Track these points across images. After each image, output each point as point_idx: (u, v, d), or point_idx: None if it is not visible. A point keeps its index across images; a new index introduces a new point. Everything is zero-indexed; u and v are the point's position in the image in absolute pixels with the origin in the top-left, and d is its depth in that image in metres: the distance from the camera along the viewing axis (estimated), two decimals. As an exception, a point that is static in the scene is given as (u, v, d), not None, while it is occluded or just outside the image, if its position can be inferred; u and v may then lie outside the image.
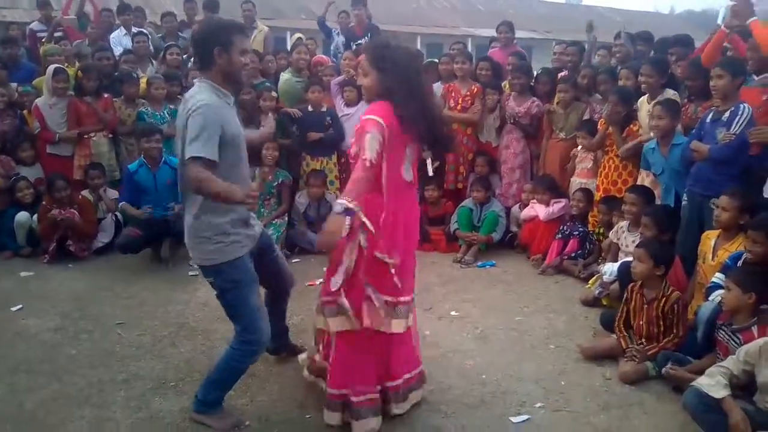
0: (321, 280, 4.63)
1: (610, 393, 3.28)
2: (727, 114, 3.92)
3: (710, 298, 3.45)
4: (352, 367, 2.81)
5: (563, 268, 5.05)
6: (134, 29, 7.18)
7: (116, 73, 6.24)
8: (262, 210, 5.59)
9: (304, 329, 3.81)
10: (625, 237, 4.50)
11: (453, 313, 4.27)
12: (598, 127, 5.08)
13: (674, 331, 3.47)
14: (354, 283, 2.72)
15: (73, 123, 5.70)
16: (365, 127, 2.59)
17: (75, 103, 5.71)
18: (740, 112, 3.87)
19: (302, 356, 3.32)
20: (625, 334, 3.60)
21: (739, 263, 3.46)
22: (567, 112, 5.49)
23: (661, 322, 3.49)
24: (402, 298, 2.81)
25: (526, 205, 5.56)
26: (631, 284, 3.68)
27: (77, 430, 2.92)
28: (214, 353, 3.55)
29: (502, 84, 5.97)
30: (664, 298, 3.50)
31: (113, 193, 5.64)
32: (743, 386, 2.82)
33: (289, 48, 7.44)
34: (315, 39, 7.92)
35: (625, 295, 3.71)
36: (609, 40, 6.51)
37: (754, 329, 3.06)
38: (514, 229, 5.71)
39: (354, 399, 2.80)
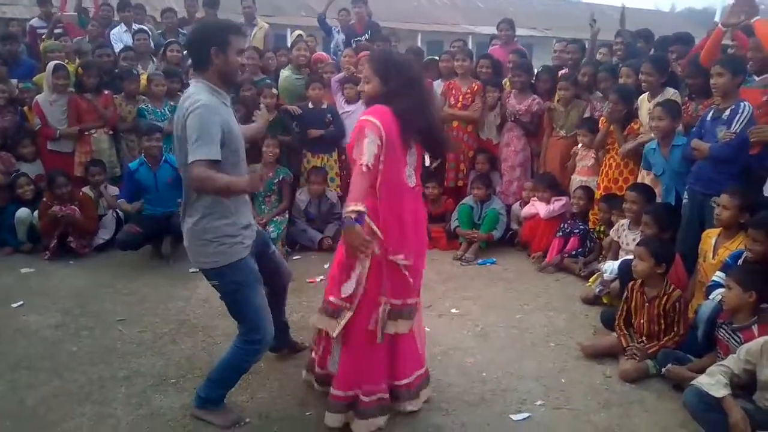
0: (322, 277, 4.67)
1: (610, 391, 3.28)
2: (727, 112, 3.92)
3: (711, 297, 3.45)
4: (360, 368, 2.80)
5: (564, 266, 5.06)
6: (135, 26, 7.17)
7: (116, 70, 6.24)
8: (263, 207, 5.59)
9: (304, 326, 3.81)
10: (626, 235, 4.50)
11: (453, 310, 4.28)
12: (600, 125, 5.08)
13: (675, 329, 3.47)
14: (367, 289, 2.71)
15: (74, 120, 5.69)
16: (363, 129, 2.58)
17: (75, 99, 5.70)
18: (741, 111, 3.86)
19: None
20: (626, 332, 3.60)
21: (740, 262, 3.46)
22: (567, 110, 5.48)
23: (662, 321, 3.50)
24: (409, 300, 2.82)
25: (526, 203, 5.56)
26: (632, 282, 3.68)
27: (78, 427, 2.92)
28: (215, 350, 3.57)
29: (503, 81, 5.97)
30: (665, 297, 3.50)
31: (114, 190, 5.64)
32: (743, 385, 2.82)
33: (289, 45, 7.42)
34: (315, 36, 7.91)
35: (625, 294, 3.71)
36: (609, 37, 6.49)
37: (755, 328, 3.06)
38: (514, 226, 5.71)
39: (364, 399, 2.79)
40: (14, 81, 6.06)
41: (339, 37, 7.76)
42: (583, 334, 3.92)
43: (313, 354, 3.08)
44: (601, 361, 3.56)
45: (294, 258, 5.38)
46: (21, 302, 4.31)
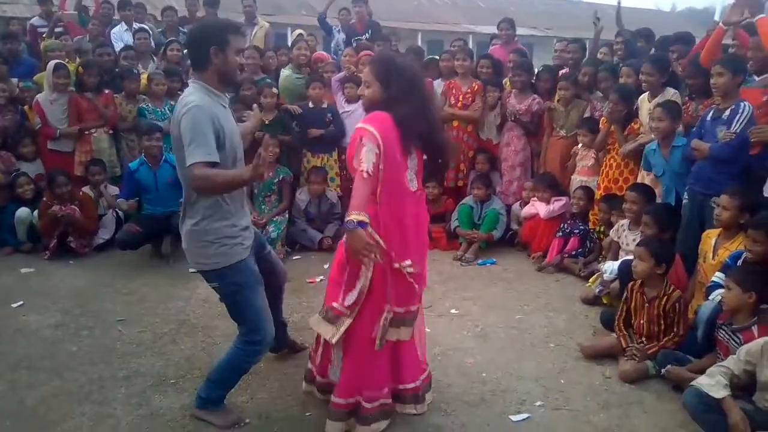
0: (322, 277, 4.67)
1: (609, 392, 3.28)
2: (727, 112, 3.92)
3: (710, 298, 3.45)
4: (361, 375, 2.79)
5: (564, 266, 5.05)
6: (135, 25, 7.17)
7: (117, 69, 6.24)
8: (263, 207, 5.59)
9: (304, 327, 3.81)
10: (626, 235, 4.50)
11: (453, 311, 4.28)
12: (600, 125, 5.08)
13: (674, 330, 3.47)
14: (371, 297, 2.70)
15: (74, 119, 5.69)
16: (361, 138, 2.57)
17: (76, 99, 5.70)
18: (741, 111, 3.86)
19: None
20: (626, 332, 3.60)
21: (739, 262, 3.46)
22: (568, 110, 5.48)
23: (662, 321, 3.49)
24: (412, 307, 2.82)
25: (526, 203, 5.56)
26: (632, 283, 3.68)
27: (77, 427, 2.92)
28: (215, 350, 3.57)
29: (503, 81, 5.97)
30: (665, 297, 3.50)
31: (114, 190, 5.64)
32: (743, 386, 2.82)
33: (290, 44, 7.42)
34: (315, 35, 7.91)
35: (625, 294, 3.71)
36: (610, 37, 6.49)
37: (755, 329, 3.06)
38: (514, 226, 5.71)
39: (366, 405, 2.79)
40: (15, 80, 6.06)
41: (339, 37, 7.76)
42: (583, 335, 3.92)
43: (310, 365, 3.06)
44: (600, 362, 3.56)
45: (294, 258, 5.38)
46: (21, 302, 4.32)
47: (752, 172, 3.93)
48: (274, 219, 5.46)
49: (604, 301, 4.33)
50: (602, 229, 4.99)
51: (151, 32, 7.01)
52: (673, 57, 5.19)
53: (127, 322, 4.03)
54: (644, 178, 4.67)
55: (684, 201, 4.20)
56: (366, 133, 2.57)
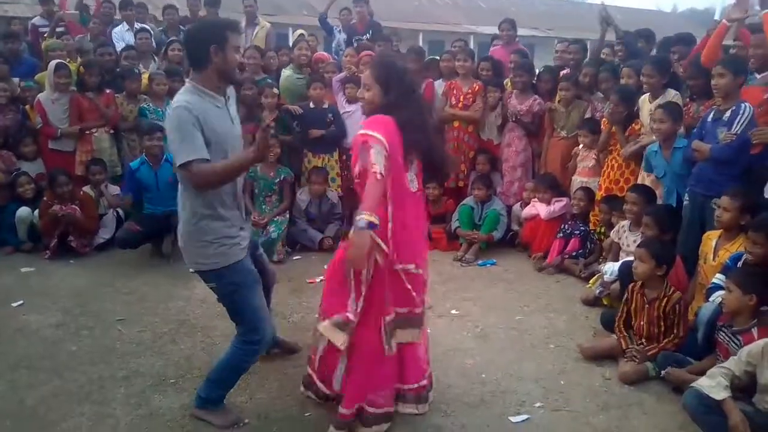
0: (322, 277, 4.65)
1: (609, 393, 3.28)
2: (728, 113, 3.91)
3: (711, 299, 3.45)
4: (368, 381, 2.78)
5: (564, 267, 5.05)
6: (137, 25, 7.17)
7: (118, 69, 6.24)
8: (264, 207, 5.59)
9: (304, 327, 3.82)
10: (626, 236, 4.49)
11: (453, 311, 4.28)
12: (602, 127, 5.07)
13: (674, 331, 3.46)
14: (372, 302, 2.70)
15: (75, 118, 5.69)
16: (367, 142, 2.57)
17: (77, 98, 5.70)
18: (741, 112, 3.86)
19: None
20: (626, 334, 3.60)
21: (740, 264, 3.46)
22: (568, 111, 5.48)
23: (662, 323, 3.49)
24: (416, 309, 2.81)
25: (527, 204, 5.56)
26: (632, 284, 3.68)
27: (77, 427, 2.92)
28: (214, 350, 3.57)
29: (504, 82, 5.97)
30: (665, 299, 3.49)
31: (114, 189, 5.64)
32: (743, 388, 2.82)
33: (291, 44, 7.42)
34: (316, 36, 7.91)
35: (625, 295, 3.70)
36: (611, 37, 6.47)
37: (755, 331, 3.06)
38: (515, 227, 5.70)
39: (369, 409, 2.78)
40: (16, 80, 6.06)
41: (340, 37, 7.76)
42: (583, 336, 3.91)
43: (309, 370, 3.03)
44: (600, 363, 3.56)
45: (294, 258, 5.38)
46: (21, 302, 4.32)
47: (753, 173, 3.92)
48: (275, 219, 5.46)
49: (605, 303, 4.32)
50: (603, 230, 4.98)
51: (152, 32, 7.01)
52: (674, 58, 5.18)
53: (127, 322, 4.03)
54: (645, 179, 4.66)
55: (685, 202, 4.20)
56: (371, 138, 2.57)
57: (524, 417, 3.05)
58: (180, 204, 2.78)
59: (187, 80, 2.75)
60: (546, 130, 5.66)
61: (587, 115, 5.40)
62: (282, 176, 5.62)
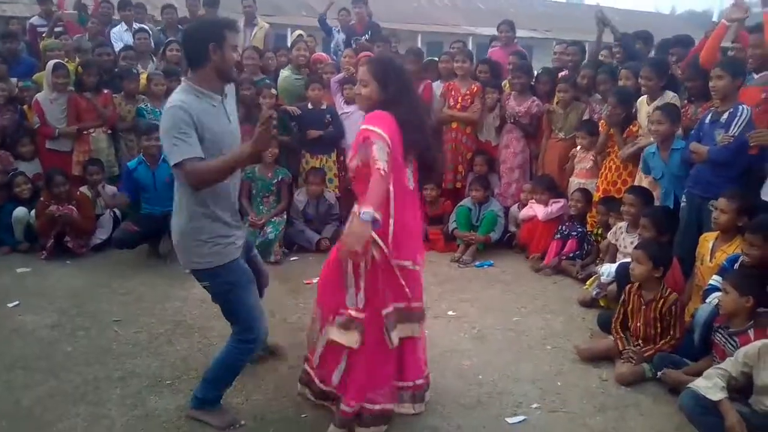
0: (318, 278, 4.65)
1: (606, 394, 3.28)
2: (725, 115, 3.92)
3: (707, 301, 3.45)
4: (369, 379, 2.78)
5: (561, 268, 5.05)
6: (135, 25, 7.17)
7: (116, 69, 6.23)
8: (262, 207, 5.58)
9: (301, 327, 3.81)
10: (624, 238, 4.50)
11: (450, 312, 4.27)
12: (600, 129, 5.08)
13: (671, 332, 3.47)
14: (370, 299, 2.71)
15: (73, 119, 5.68)
16: (369, 138, 2.58)
17: (75, 98, 5.70)
18: (739, 114, 3.86)
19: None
20: (622, 335, 3.60)
21: (737, 265, 3.46)
22: (566, 112, 5.48)
23: (659, 324, 3.49)
24: (414, 304, 2.82)
25: (524, 205, 5.56)
26: (629, 285, 3.68)
27: (72, 428, 2.91)
28: (211, 351, 3.55)
29: (502, 83, 5.97)
30: (661, 300, 3.50)
31: (112, 189, 5.64)
32: (739, 389, 2.82)
33: (289, 45, 7.42)
34: (315, 36, 7.91)
35: (622, 297, 3.70)
36: (608, 39, 6.47)
37: (751, 332, 3.06)
38: (512, 228, 5.70)
39: (368, 407, 2.78)
40: (14, 79, 6.06)
41: (339, 37, 7.76)
42: (580, 337, 3.91)
43: (307, 367, 3.01)
44: (597, 365, 3.56)
45: (292, 259, 5.38)
46: (17, 302, 4.31)
47: (751, 175, 3.93)
48: (272, 220, 5.46)
49: (602, 304, 4.32)
50: (600, 231, 4.98)
51: (150, 32, 7.00)
52: (673, 60, 5.19)
53: (124, 323, 4.02)
54: (642, 180, 4.67)
55: (682, 204, 4.20)
56: (373, 134, 2.57)
57: (521, 418, 3.04)
58: (175, 202, 2.77)
59: (183, 79, 2.74)
60: (544, 132, 5.66)
61: (585, 117, 5.40)
62: (280, 177, 5.62)
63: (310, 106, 5.83)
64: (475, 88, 5.76)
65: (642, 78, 4.68)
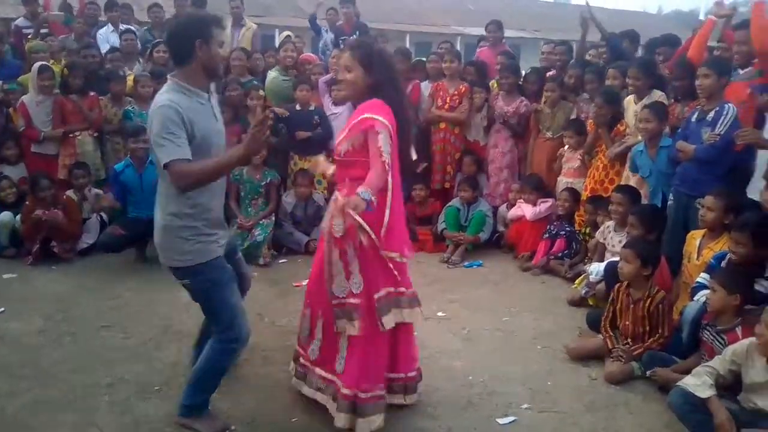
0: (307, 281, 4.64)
1: (596, 393, 3.29)
2: (711, 114, 3.95)
3: (695, 299, 3.46)
4: (366, 367, 2.81)
5: (550, 268, 5.06)
6: (122, 26, 7.11)
7: (101, 72, 6.18)
8: (250, 210, 5.55)
9: (291, 330, 3.78)
10: (612, 237, 4.51)
11: (440, 313, 4.27)
12: (588, 129, 5.09)
13: (660, 331, 3.48)
14: (364, 282, 2.75)
15: (58, 121, 5.63)
16: (375, 126, 2.60)
17: (61, 101, 5.64)
18: (725, 112, 3.89)
19: (292, 364, 3.24)
20: (611, 334, 3.61)
21: (724, 263, 3.48)
22: (554, 112, 5.49)
23: (647, 322, 3.51)
24: (401, 288, 2.85)
25: (513, 205, 5.57)
26: (618, 284, 3.69)
27: (60, 435, 2.88)
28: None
29: (490, 83, 5.97)
30: (650, 298, 3.51)
31: (98, 193, 5.58)
32: (728, 386, 2.83)
33: (277, 46, 7.39)
34: (302, 37, 7.88)
35: (611, 296, 3.72)
36: (596, 38, 6.50)
37: (738, 330, 3.07)
38: (501, 228, 5.71)
39: (362, 396, 2.79)
40: (-1, 82, 5.99)
41: (328, 37, 7.74)
42: (569, 337, 3.92)
43: (302, 360, 3.04)
44: (586, 364, 3.57)
45: (280, 261, 5.35)
46: (2, 308, 4.24)
47: (737, 173, 3.95)
48: (261, 222, 5.42)
49: (590, 303, 4.34)
50: (588, 230, 5.00)
51: (137, 33, 6.94)
52: (660, 59, 5.22)
53: (111, 328, 3.98)
54: (629, 179, 4.69)
55: (669, 202, 4.23)
56: (378, 123, 2.61)
57: (511, 419, 3.04)
58: (158, 199, 2.74)
59: (169, 76, 2.70)
60: (532, 131, 5.67)
61: (573, 116, 5.42)
62: (268, 179, 5.59)
63: (298, 107, 5.80)
64: (463, 89, 5.76)
65: (630, 78, 4.71)
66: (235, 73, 6.11)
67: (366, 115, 2.66)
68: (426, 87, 6.00)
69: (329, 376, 2.92)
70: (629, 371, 3.38)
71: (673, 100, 4.78)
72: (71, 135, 5.68)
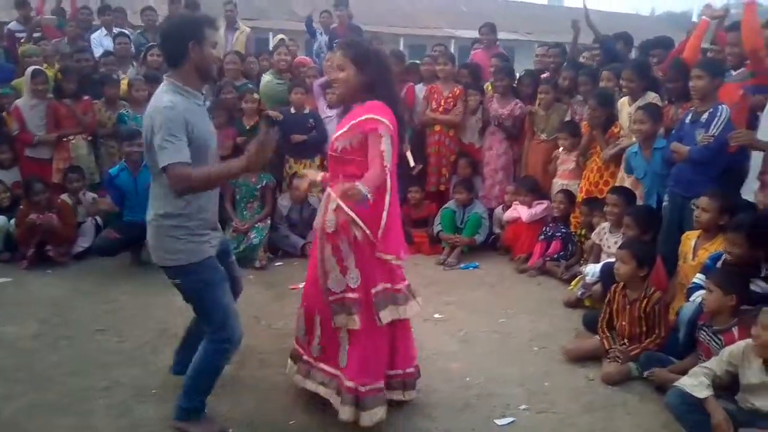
0: (304, 284, 4.63)
1: (593, 394, 3.30)
2: (705, 115, 3.97)
3: (691, 299, 3.48)
4: (366, 362, 2.81)
5: (546, 269, 5.07)
6: (115, 30, 7.09)
7: (96, 75, 6.16)
8: (245, 213, 5.54)
9: (286, 333, 3.77)
10: (608, 238, 4.53)
11: (436, 315, 4.27)
12: (582, 131, 5.11)
13: (656, 331, 3.49)
14: (362, 274, 2.76)
15: (52, 125, 5.60)
16: (378, 129, 2.60)
17: (54, 105, 5.62)
18: (718, 114, 3.92)
19: (290, 363, 3.23)
20: (608, 334, 3.62)
21: (719, 263, 3.50)
22: (548, 114, 5.51)
23: (644, 323, 3.52)
24: (397, 285, 2.86)
25: (508, 207, 5.58)
26: (614, 285, 3.70)
27: (56, 439, 2.87)
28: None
29: (484, 86, 5.99)
30: (646, 299, 3.52)
31: (93, 197, 5.55)
32: (725, 386, 2.84)
33: (271, 49, 7.40)
34: (296, 40, 7.88)
35: (607, 296, 3.73)
36: (588, 41, 6.53)
37: (735, 330, 3.09)
38: (496, 230, 5.73)
39: (362, 389, 2.79)
40: (-8, 86, 5.96)
41: (322, 40, 7.76)
42: (566, 338, 3.93)
43: (305, 356, 3.04)
44: (583, 365, 3.58)
45: (276, 264, 5.35)
46: (-3, 313, 4.23)
47: (732, 174, 3.98)
48: (256, 225, 5.41)
49: (587, 304, 4.35)
50: (584, 232, 5.01)
51: (131, 37, 6.93)
52: (653, 61, 5.25)
53: (107, 332, 3.96)
54: (624, 180, 4.71)
55: (664, 203, 4.25)
56: (382, 125, 2.62)
57: (509, 420, 3.05)
58: (151, 198, 2.74)
59: (165, 77, 2.69)
60: (526, 134, 5.69)
61: (567, 118, 5.44)
62: (264, 182, 5.58)
63: (292, 110, 5.80)
64: (458, 91, 5.78)
65: (624, 80, 4.73)
66: (230, 76, 6.11)
67: (369, 116, 2.66)
68: (420, 90, 6.01)
69: (333, 370, 2.92)
70: (626, 372, 3.39)
71: (666, 102, 4.80)
72: (65, 139, 5.65)
